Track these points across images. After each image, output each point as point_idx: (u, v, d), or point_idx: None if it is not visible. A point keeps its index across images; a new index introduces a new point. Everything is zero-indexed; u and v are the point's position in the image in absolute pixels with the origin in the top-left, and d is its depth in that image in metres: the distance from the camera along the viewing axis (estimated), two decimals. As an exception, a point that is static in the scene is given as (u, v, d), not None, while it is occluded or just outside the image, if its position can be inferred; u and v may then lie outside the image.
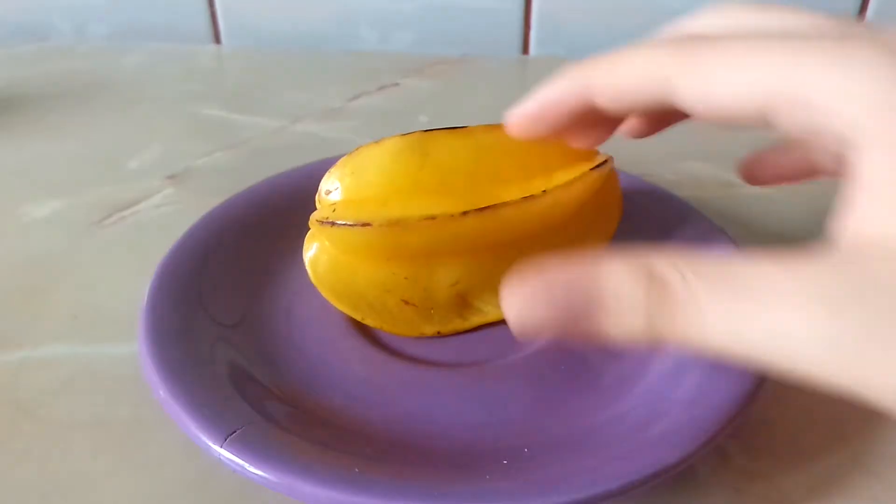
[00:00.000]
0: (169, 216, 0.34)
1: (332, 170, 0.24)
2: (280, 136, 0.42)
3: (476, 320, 0.26)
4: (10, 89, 0.49)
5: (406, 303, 0.25)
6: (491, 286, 0.26)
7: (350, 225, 0.23)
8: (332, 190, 0.24)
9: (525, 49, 0.54)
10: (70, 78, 0.51)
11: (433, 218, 0.23)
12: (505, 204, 0.23)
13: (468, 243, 0.24)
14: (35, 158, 0.40)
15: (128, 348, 0.26)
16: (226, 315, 0.26)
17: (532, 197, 0.23)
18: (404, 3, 0.53)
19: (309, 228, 0.25)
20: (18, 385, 0.25)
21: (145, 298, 0.25)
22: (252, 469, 0.19)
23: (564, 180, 0.24)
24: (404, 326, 0.26)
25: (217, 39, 0.57)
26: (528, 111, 0.22)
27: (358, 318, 0.26)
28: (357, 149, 0.24)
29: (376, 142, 0.24)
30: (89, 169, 0.39)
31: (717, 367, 0.22)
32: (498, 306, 0.26)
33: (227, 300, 0.27)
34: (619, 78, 0.21)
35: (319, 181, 0.29)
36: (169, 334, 0.24)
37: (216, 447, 0.19)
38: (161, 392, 0.21)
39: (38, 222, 0.34)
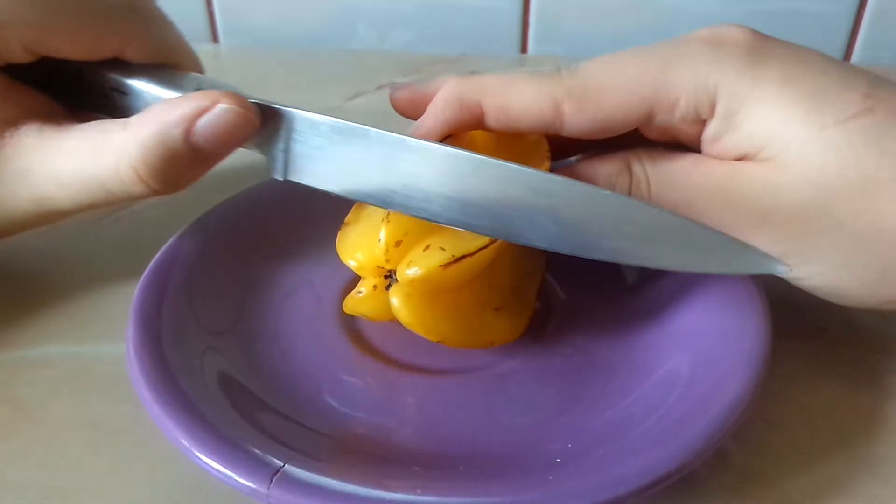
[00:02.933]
0: (167, 216, 0.34)
1: (387, 224, 0.22)
2: (278, 136, 0.42)
3: (533, 301, 0.26)
4: (7, 88, 0.49)
5: (497, 309, 0.25)
6: (519, 267, 0.26)
7: (481, 248, 0.22)
8: (402, 239, 0.22)
9: (524, 48, 0.54)
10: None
11: None
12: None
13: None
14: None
15: (125, 348, 0.26)
16: (216, 323, 0.26)
17: None
18: (403, 2, 0.53)
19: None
20: (16, 385, 0.25)
21: (131, 316, 0.24)
22: None
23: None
24: (509, 332, 0.25)
25: (215, 38, 0.57)
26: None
27: (485, 346, 0.25)
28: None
29: None
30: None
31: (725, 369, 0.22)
32: (533, 281, 0.27)
33: (218, 307, 0.26)
34: (509, 103, 0.24)
35: None
36: (163, 358, 0.23)
37: (265, 491, 0.19)
38: (183, 440, 0.20)
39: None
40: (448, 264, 0.22)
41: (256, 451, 0.20)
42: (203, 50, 0.56)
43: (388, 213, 0.22)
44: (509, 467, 0.21)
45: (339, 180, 0.23)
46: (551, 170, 0.25)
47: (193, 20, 0.56)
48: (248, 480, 0.19)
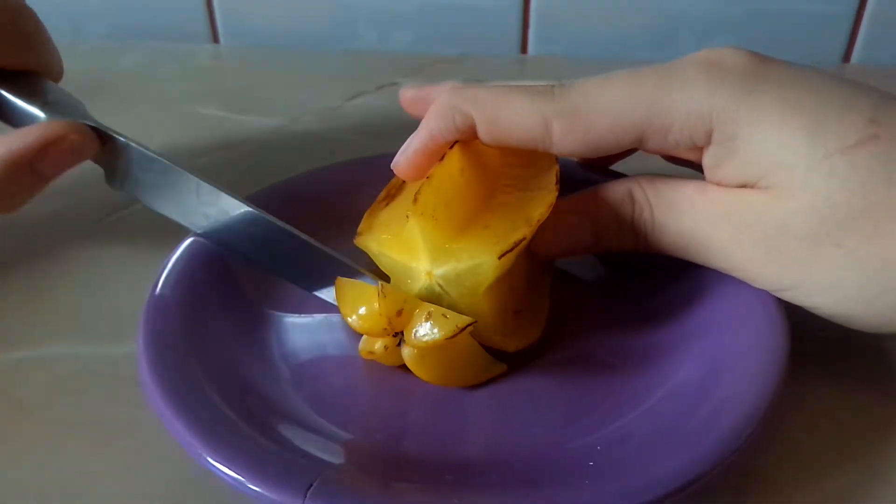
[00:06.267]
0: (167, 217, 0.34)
1: (383, 298, 0.22)
2: (279, 136, 0.42)
3: (545, 309, 0.26)
4: (7, 88, 0.49)
5: (517, 312, 0.25)
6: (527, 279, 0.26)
7: (516, 243, 0.22)
8: (402, 308, 0.22)
9: (524, 48, 0.54)
10: (68, 77, 0.51)
11: (552, 205, 0.24)
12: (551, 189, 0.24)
13: None
14: (33, 158, 0.40)
15: (126, 349, 0.26)
16: (232, 334, 0.25)
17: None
18: (403, 2, 0.53)
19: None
20: (17, 384, 0.25)
21: (141, 327, 0.23)
22: None
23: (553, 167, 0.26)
24: (527, 335, 0.25)
25: (215, 39, 0.57)
26: (417, 160, 0.24)
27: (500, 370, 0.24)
28: (420, 197, 0.23)
29: (426, 181, 0.23)
30: (88, 168, 0.39)
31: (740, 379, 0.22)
32: (543, 293, 0.27)
33: (234, 319, 0.26)
34: (499, 118, 0.24)
35: (321, 186, 0.28)
36: (177, 371, 0.22)
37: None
38: (208, 457, 0.19)
39: (38, 222, 0.34)
40: (453, 335, 0.22)
41: (289, 464, 0.19)
42: (203, 50, 0.56)
43: (382, 286, 0.22)
44: (541, 472, 0.21)
45: (162, 207, 0.28)
46: (560, 175, 0.25)
47: (193, 20, 0.56)
48: (281, 495, 0.18)
